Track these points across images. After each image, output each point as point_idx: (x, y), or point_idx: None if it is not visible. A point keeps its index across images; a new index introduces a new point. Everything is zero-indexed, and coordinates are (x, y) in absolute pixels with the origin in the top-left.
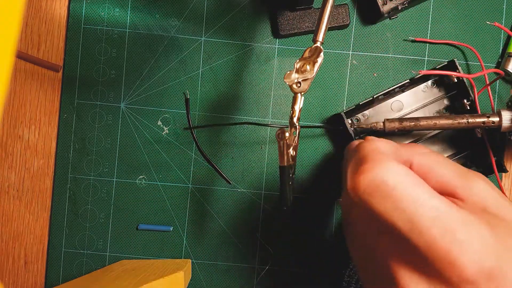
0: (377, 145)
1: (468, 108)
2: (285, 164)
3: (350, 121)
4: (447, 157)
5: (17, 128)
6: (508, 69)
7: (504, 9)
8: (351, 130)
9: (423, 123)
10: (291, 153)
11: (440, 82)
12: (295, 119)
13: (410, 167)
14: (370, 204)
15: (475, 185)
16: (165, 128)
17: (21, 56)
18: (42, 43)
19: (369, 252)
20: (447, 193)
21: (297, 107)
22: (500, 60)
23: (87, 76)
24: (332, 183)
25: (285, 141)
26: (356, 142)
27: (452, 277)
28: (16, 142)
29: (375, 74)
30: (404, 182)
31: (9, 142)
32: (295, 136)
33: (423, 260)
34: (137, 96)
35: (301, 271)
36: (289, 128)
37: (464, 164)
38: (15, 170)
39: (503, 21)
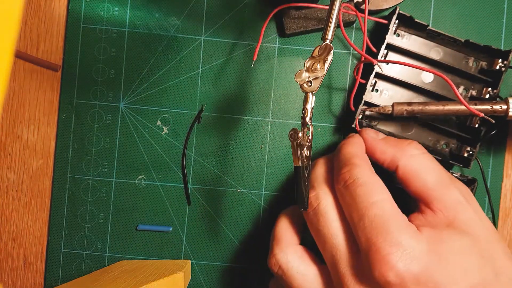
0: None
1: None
2: (299, 164)
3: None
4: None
5: (16, 128)
6: None
7: (505, 8)
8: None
9: (431, 107)
10: (305, 153)
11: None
12: (307, 119)
13: (396, 168)
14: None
15: (451, 197)
16: (164, 128)
17: (20, 55)
18: (41, 42)
19: None
20: (424, 201)
21: (308, 106)
22: None
23: (86, 76)
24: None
25: (298, 142)
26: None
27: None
28: (15, 142)
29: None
30: None
31: (8, 142)
32: (308, 136)
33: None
34: (137, 95)
35: None
36: (301, 128)
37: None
38: (14, 170)
39: (504, 20)
